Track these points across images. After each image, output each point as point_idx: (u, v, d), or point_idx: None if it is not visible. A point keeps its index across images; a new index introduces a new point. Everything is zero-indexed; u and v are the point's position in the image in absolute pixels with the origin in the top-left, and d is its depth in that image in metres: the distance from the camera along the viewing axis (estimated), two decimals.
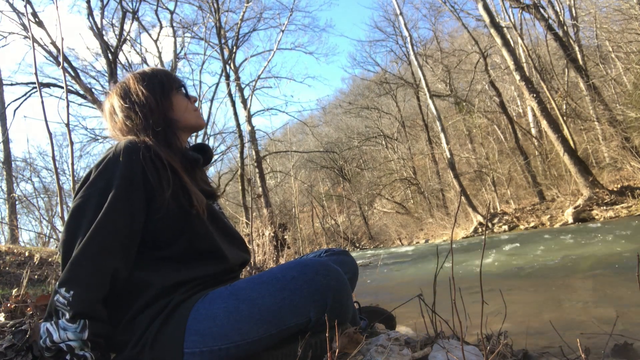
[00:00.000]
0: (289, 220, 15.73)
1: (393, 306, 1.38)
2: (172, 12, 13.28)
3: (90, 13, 10.54)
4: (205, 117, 13.55)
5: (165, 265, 0.87)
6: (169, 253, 0.88)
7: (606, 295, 2.11)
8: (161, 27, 13.46)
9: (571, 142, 9.93)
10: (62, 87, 9.08)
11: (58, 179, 2.63)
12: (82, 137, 13.57)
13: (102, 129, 12.11)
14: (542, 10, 11.15)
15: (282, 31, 15.64)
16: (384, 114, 24.69)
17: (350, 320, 0.95)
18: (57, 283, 0.74)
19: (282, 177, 22.05)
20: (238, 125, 14.38)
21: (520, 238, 6.80)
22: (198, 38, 14.84)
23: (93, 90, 10.96)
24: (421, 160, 21.94)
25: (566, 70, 12.53)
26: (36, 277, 2.73)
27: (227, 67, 14.69)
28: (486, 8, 10.69)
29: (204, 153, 1.08)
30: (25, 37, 9.66)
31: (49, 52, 9.88)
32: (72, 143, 2.55)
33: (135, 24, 12.32)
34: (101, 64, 13.66)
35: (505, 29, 11.34)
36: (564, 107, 11.90)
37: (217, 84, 14.84)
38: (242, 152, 14.31)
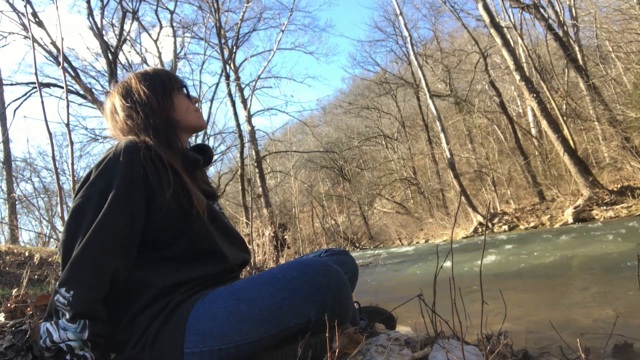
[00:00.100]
0: (289, 220, 15.73)
1: (393, 306, 1.38)
2: (172, 12, 13.31)
3: (90, 13, 10.56)
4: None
5: (166, 265, 0.87)
6: (169, 253, 0.88)
7: (606, 295, 2.11)
8: (161, 27, 13.49)
9: (571, 142, 9.93)
10: (62, 87, 9.08)
11: (58, 179, 2.63)
12: (82, 137, 13.58)
13: (102, 129, 12.12)
14: (542, 10, 11.16)
15: (282, 31, 15.67)
16: (384, 114, 24.70)
17: (350, 320, 0.95)
18: (57, 283, 0.74)
19: (282, 177, 22.06)
20: (238, 125, 14.40)
21: (520, 238, 6.80)
22: (198, 38, 14.88)
23: (93, 90, 10.97)
24: (421, 160, 21.94)
25: (566, 70, 12.54)
26: (36, 277, 2.73)
27: (227, 67, 14.70)
28: (486, 8, 10.69)
29: (205, 154, 1.08)
30: (25, 37, 9.67)
31: (49, 52, 9.89)
32: (72, 143, 2.55)
33: (135, 24, 12.35)
34: (101, 64, 13.69)
35: (505, 29, 11.34)
36: (564, 107, 11.91)
37: (217, 84, 14.87)
38: (242, 152, 14.32)
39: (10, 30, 13.22)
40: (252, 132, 14.42)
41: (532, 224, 10.13)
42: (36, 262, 3.31)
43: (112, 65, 10.75)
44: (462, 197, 13.36)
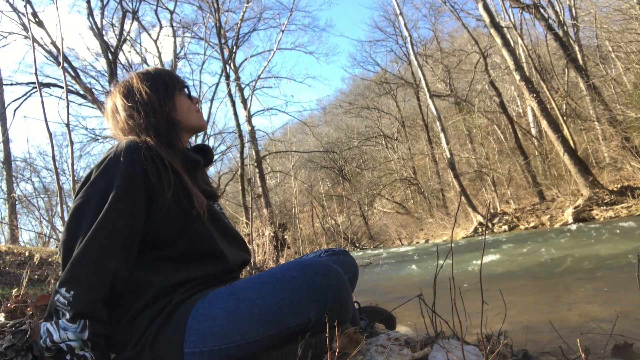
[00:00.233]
0: (289, 220, 15.74)
1: (393, 306, 1.38)
2: (172, 12, 13.32)
3: (90, 13, 10.57)
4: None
5: (166, 265, 0.87)
6: (169, 253, 0.88)
7: (606, 295, 2.11)
8: (161, 27, 13.49)
9: (571, 142, 9.93)
10: (62, 87, 9.08)
11: (58, 179, 2.64)
12: (82, 137, 13.58)
13: (102, 129, 12.13)
14: (542, 10, 11.16)
15: (282, 31, 15.67)
16: (384, 114, 24.70)
17: (350, 320, 0.95)
18: (58, 283, 0.74)
19: (282, 177, 22.07)
20: (238, 125, 14.40)
21: (520, 238, 6.80)
22: (198, 38, 14.89)
23: (93, 90, 10.98)
24: (421, 160, 21.95)
25: (566, 70, 12.54)
26: (36, 277, 2.73)
27: (227, 67, 14.70)
28: (486, 8, 10.69)
29: (205, 154, 1.08)
30: (25, 37, 9.67)
31: (49, 52, 9.90)
32: (72, 143, 2.56)
33: (135, 24, 12.35)
34: (101, 64, 13.68)
35: (505, 29, 11.34)
36: (564, 107, 11.91)
37: (217, 84, 14.88)
38: (242, 152, 14.32)
39: (10, 30, 13.24)
40: (252, 132, 14.43)
41: (532, 224, 10.13)
42: (36, 262, 3.31)
43: (112, 65, 10.75)
44: (462, 197, 13.37)
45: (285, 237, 6.00)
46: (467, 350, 0.86)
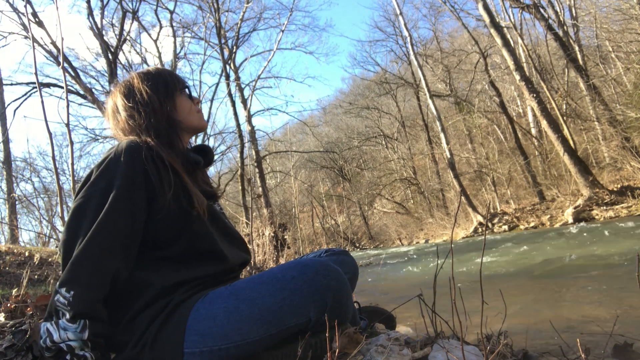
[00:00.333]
0: (289, 220, 15.74)
1: (393, 306, 1.38)
2: (172, 12, 13.32)
3: (90, 13, 10.57)
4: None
5: (166, 265, 0.87)
6: (169, 253, 0.88)
7: (606, 295, 2.11)
8: (161, 27, 13.50)
9: (571, 142, 9.93)
10: (62, 87, 9.09)
11: (58, 179, 2.64)
12: (82, 137, 13.57)
13: (102, 129, 12.13)
14: (542, 10, 11.16)
15: (282, 31, 15.67)
16: (384, 114, 24.70)
17: (350, 320, 0.95)
18: (58, 283, 0.74)
19: (282, 177, 22.07)
20: (238, 125, 14.40)
21: (520, 238, 6.80)
22: (198, 38, 14.89)
23: (93, 90, 10.98)
24: (421, 160, 21.95)
25: (566, 70, 12.53)
26: (36, 277, 2.73)
27: (227, 67, 14.70)
28: (486, 8, 10.69)
29: (205, 155, 1.08)
30: (25, 37, 9.67)
31: (49, 52, 9.90)
32: (72, 143, 2.56)
33: (135, 24, 12.35)
34: (101, 64, 13.70)
35: (505, 29, 11.34)
36: (564, 107, 11.91)
37: (217, 84, 14.89)
38: (242, 152, 14.32)
39: (10, 30, 13.24)
40: (252, 132, 14.43)
41: (532, 224, 10.13)
42: (36, 262, 3.30)
43: (112, 65, 10.75)
44: (462, 197, 13.37)
45: (285, 237, 6.00)
46: (467, 350, 0.86)
